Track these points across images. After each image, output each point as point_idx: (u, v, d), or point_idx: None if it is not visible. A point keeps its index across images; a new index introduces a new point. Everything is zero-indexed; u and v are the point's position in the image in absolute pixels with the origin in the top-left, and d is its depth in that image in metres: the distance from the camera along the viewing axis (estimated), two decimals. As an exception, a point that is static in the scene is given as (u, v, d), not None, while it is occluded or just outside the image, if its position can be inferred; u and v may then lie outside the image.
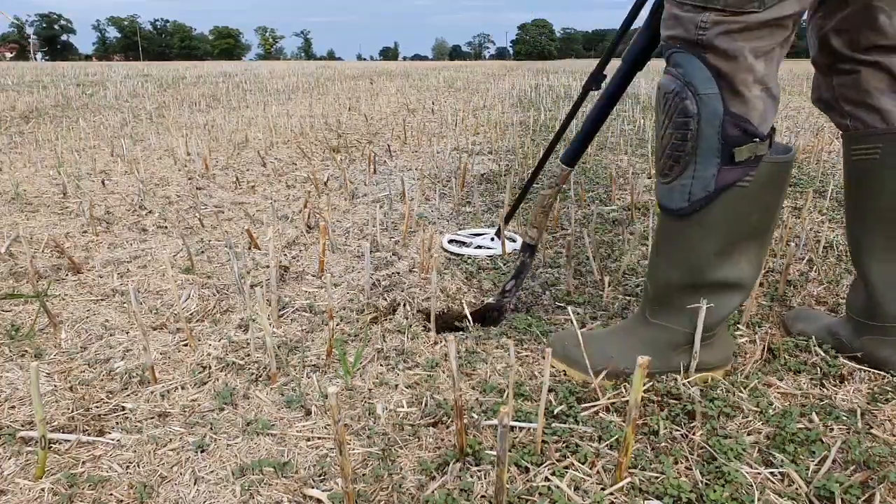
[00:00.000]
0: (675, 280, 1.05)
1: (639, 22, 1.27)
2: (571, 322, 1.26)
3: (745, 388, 1.06)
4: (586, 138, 1.27)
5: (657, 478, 0.85)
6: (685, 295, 1.05)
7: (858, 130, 1.07)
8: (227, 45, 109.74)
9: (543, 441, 0.92)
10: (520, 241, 1.92)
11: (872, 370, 1.12)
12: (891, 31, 1.00)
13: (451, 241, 1.92)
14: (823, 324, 1.23)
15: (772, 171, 0.97)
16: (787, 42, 0.93)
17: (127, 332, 1.31)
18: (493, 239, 1.94)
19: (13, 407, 1.04)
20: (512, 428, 0.95)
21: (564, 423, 0.98)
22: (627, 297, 1.47)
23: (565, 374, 1.13)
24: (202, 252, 1.83)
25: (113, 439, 0.95)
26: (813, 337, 1.21)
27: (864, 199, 1.09)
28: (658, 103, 0.99)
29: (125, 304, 1.45)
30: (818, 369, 1.13)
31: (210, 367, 1.16)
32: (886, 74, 1.02)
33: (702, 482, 0.84)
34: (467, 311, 1.34)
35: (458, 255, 1.80)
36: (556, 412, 1.00)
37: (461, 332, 1.31)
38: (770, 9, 0.88)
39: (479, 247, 1.88)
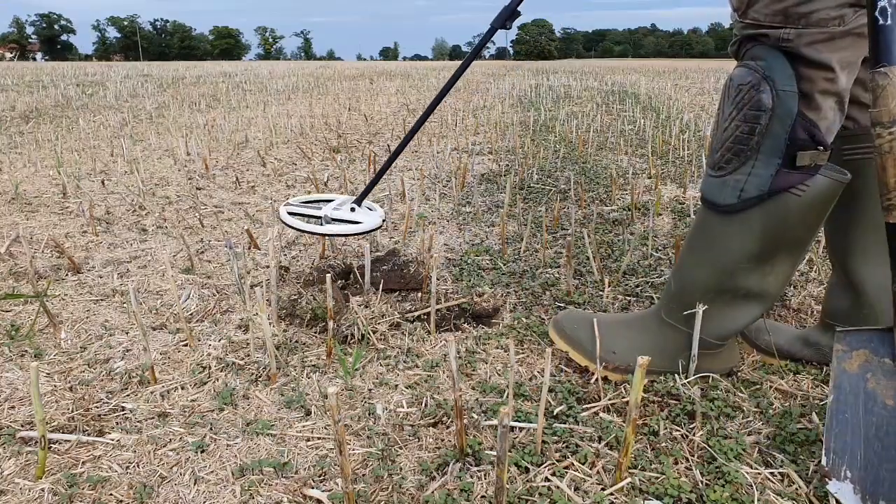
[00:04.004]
0: (702, 280, 1.03)
1: None
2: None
3: (745, 388, 1.06)
4: None
5: (657, 478, 0.85)
6: (707, 298, 1.03)
7: (849, 130, 1.03)
8: (226, 45, 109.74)
9: (543, 441, 0.92)
10: (379, 211, 1.53)
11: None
12: None
13: (291, 214, 1.51)
14: (794, 335, 1.18)
15: (827, 186, 0.93)
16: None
17: (127, 332, 1.32)
18: (352, 209, 1.49)
19: (13, 407, 1.04)
20: (512, 428, 0.95)
21: (564, 423, 0.98)
22: (627, 298, 1.48)
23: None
24: (202, 252, 1.83)
25: (113, 439, 0.95)
26: (785, 349, 1.15)
27: (856, 200, 1.06)
28: (727, 94, 0.96)
29: (125, 304, 1.45)
30: (818, 369, 1.13)
31: (210, 368, 1.16)
32: None
33: (702, 482, 0.85)
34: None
35: (306, 232, 1.48)
36: (556, 412, 1.00)
37: (461, 332, 1.31)
38: (852, 21, 0.87)
39: (336, 220, 1.45)
